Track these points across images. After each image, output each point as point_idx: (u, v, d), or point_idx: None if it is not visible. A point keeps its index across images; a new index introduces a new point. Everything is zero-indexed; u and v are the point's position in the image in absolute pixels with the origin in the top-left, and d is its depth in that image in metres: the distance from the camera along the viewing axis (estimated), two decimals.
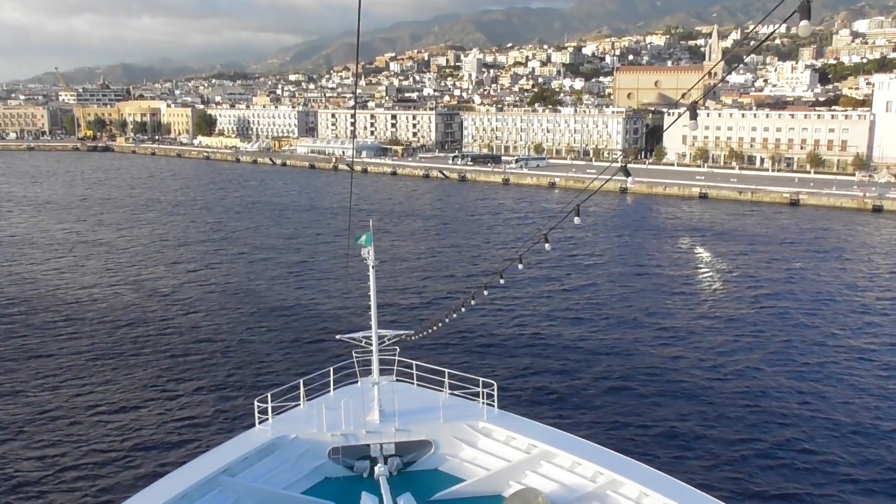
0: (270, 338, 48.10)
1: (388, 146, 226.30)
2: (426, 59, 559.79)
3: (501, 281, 21.06)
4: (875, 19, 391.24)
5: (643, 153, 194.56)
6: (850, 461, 31.20)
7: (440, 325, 26.21)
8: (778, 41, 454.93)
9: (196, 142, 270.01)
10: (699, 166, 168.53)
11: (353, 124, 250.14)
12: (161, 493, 16.10)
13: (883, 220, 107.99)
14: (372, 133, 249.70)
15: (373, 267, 19.89)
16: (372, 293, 20.17)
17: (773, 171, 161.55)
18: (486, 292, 22.67)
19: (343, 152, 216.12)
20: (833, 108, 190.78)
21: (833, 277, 69.44)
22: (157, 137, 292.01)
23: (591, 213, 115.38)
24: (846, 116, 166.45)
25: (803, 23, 7.88)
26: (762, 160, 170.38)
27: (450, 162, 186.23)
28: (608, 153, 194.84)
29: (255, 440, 18.74)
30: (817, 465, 30.98)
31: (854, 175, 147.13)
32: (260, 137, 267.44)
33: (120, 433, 33.67)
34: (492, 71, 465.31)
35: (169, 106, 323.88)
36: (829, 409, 36.56)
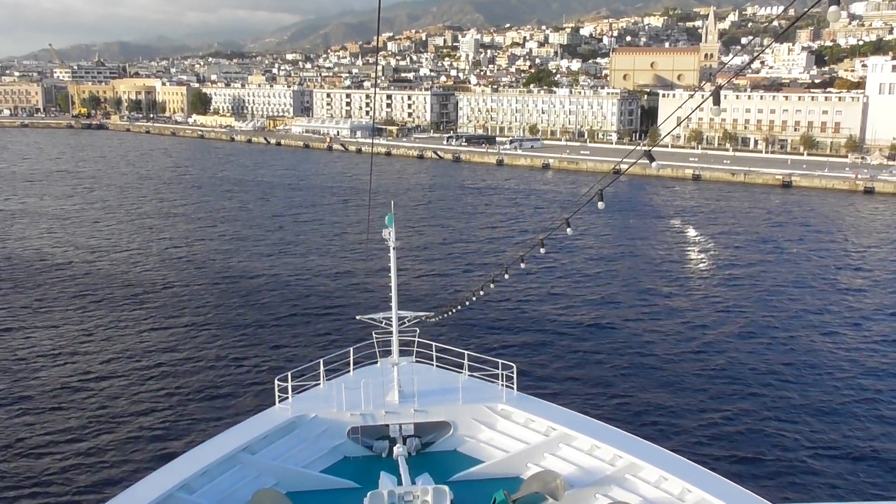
0: (290, 318, 48.54)
1: (383, 126, 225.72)
2: (424, 39, 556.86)
3: (523, 265, 20.95)
4: (872, 1, 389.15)
5: (638, 135, 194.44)
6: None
7: (460, 307, 25.86)
8: (776, 23, 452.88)
9: (191, 120, 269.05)
10: (693, 148, 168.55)
11: (352, 105, 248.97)
12: (182, 470, 16.28)
13: (874, 202, 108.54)
14: (367, 113, 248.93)
15: (393, 248, 19.77)
16: (392, 274, 20.08)
17: (766, 152, 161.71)
18: (507, 276, 22.54)
19: (338, 132, 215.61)
20: (828, 90, 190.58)
21: (822, 257, 70.09)
22: (151, 116, 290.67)
23: (587, 195, 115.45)
24: (839, 98, 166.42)
25: (833, 8, 7.84)
26: (756, 142, 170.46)
27: (444, 143, 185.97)
28: (603, 134, 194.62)
29: (275, 419, 18.83)
30: (830, 446, 31.37)
31: (847, 157, 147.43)
32: (255, 117, 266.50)
33: (142, 410, 34.28)
34: (489, 51, 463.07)
35: (164, 84, 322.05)
36: (847, 396, 36.92)
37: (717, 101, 10.12)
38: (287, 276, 60.11)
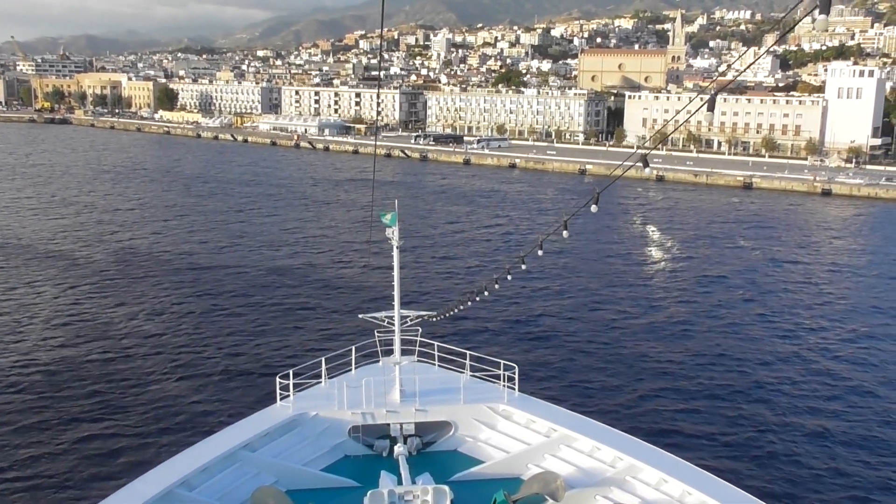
0: (292, 316, 48.41)
1: (352, 125, 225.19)
2: (396, 37, 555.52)
3: (524, 266, 20.80)
4: (836, 7, 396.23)
5: (604, 135, 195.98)
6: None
7: (463, 307, 25.75)
8: (743, 27, 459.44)
9: (157, 116, 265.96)
10: (658, 149, 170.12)
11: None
12: (182, 466, 16.32)
13: (830, 203, 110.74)
14: (336, 111, 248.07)
15: (397, 247, 19.79)
16: (395, 273, 20.09)
17: (729, 154, 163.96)
18: (509, 276, 22.38)
19: (306, 130, 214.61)
20: (790, 93, 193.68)
21: (788, 258, 71.51)
22: (117, 111, 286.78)
23: (551, 198, 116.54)
24: (800, 102, 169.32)
25: (821, 17, 7.80)
26: (719, 144, 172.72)
27: (412, 142, 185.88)
28: (570, 135, 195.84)
29: (276, 416, 18.86)
30: (829, 453, 31.52)
31: (806, 159, 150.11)
32: (222, 113, 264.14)
33: (143, 406, 34.14)
34: (461, 51, 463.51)
35: (130, 79, 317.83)
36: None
37: (711, 108, 10.26)
38: (289, 274, 59.92)
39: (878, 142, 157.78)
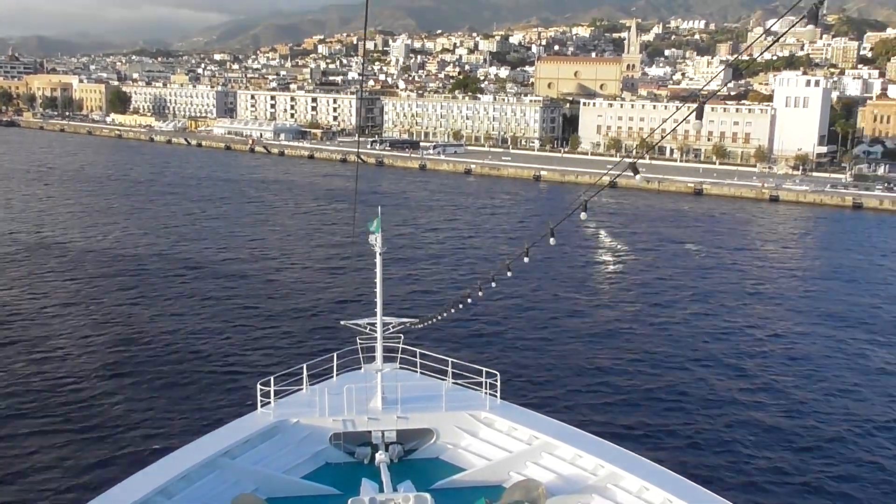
0: (274, 322, 47.90)
1: (308, 129, 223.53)
2: (355, 42, 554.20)
3: (509, 274, 20.76)
4: (787, 19, 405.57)
5: (559, 142, 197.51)
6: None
7: (446, 314, 25.73)
8: (697, 36, 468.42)
9: (109, 119, 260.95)
10: (612, 156, 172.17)
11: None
12: (161, 473, 16.13)
13: (777, 209, 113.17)
14: (292, 116, 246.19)
15: (380, 254, 19.65)
16: (378, 280, 19.91)
17: (680, 161, 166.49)
18: (493, 284, 22.20)
19: (261, 134, 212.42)
20: (741, 101, 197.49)
21: (737, 261, 72.60)
22: (67, 114, 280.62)
23: (506, 205, 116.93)
24: (749, 110, 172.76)
25: (809, 27, 7.63)
26: (671, 151, 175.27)
27: (368, 147, 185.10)
28: (525, 141, 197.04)
29: (256, 423, 18.71)
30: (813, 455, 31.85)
31: (755, 167, 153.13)
32: (176, 117, 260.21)
33: (121, 412, 33.58)
34: (419, 57, 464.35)
35: (81, 81, 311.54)
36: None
37: (699, 116, 10.32)
38: (270, 281, 59.26)
39: (823, 150, 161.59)
